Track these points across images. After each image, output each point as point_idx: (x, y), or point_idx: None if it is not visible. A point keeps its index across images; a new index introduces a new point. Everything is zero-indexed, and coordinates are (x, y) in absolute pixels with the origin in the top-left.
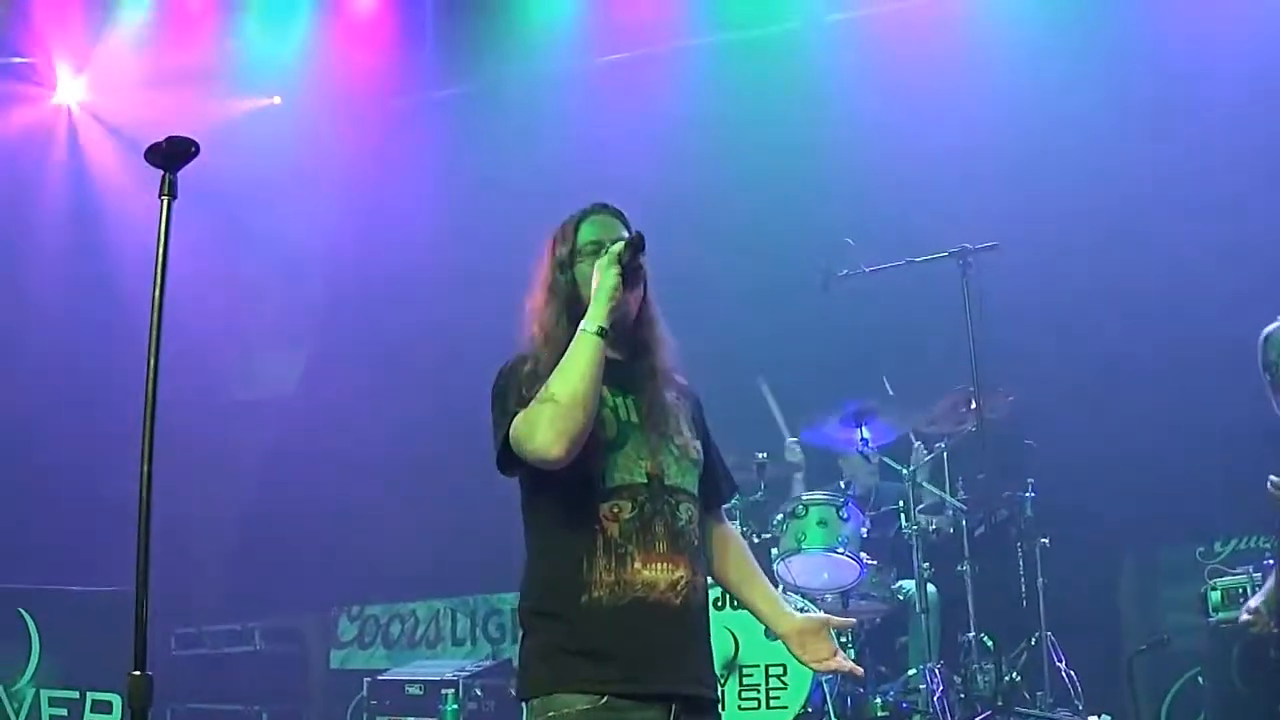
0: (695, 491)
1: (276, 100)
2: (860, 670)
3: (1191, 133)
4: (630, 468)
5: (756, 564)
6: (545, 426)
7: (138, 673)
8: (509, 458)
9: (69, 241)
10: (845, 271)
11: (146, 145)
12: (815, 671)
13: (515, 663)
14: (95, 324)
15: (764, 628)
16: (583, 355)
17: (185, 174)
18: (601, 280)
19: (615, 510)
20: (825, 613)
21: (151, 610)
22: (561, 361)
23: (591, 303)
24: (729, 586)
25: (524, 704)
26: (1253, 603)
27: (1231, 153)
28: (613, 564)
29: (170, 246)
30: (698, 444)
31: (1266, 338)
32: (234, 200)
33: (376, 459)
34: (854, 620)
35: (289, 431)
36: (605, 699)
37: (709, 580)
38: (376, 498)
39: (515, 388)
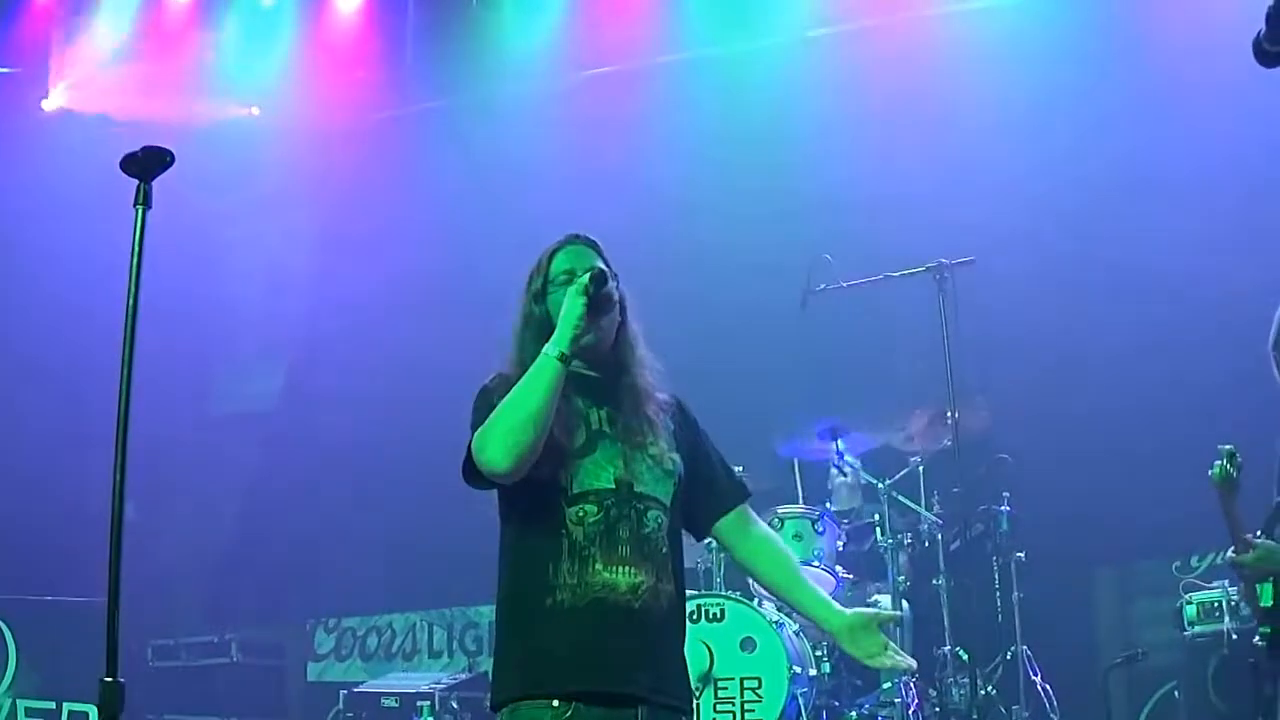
0: (668, 502)
1: (255, 111)
2: (913, 663)
3: (1169, 146)
4: (597, 474)
5: (798, 565)
6: (495, 442)
7: (109, 679)
8: (471, 470)
9: (45, 250)
10: (823, 286)
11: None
12: (871, 667)
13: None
14: (74, 334)
15: (739, 640)
16: (538, 376)
17: (169, 184)
18: (568, 307)
19: (580, 515)
20: (800, 629)
21: (128, 621)
22: (519, 383)
23: (557, 328)
24: (775, 590)
25: (495, 712)
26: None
27: (1209, 168)
28: (576, 566)
29: (150, 258)
30: (675, 456)
31: None
32: (213, 214)
33: (354, 472)
34: (899, 614)
35: (268, 445)
36: (571, 708)
37: (681, 592)
38: (354, 511)
39: (484, 406)
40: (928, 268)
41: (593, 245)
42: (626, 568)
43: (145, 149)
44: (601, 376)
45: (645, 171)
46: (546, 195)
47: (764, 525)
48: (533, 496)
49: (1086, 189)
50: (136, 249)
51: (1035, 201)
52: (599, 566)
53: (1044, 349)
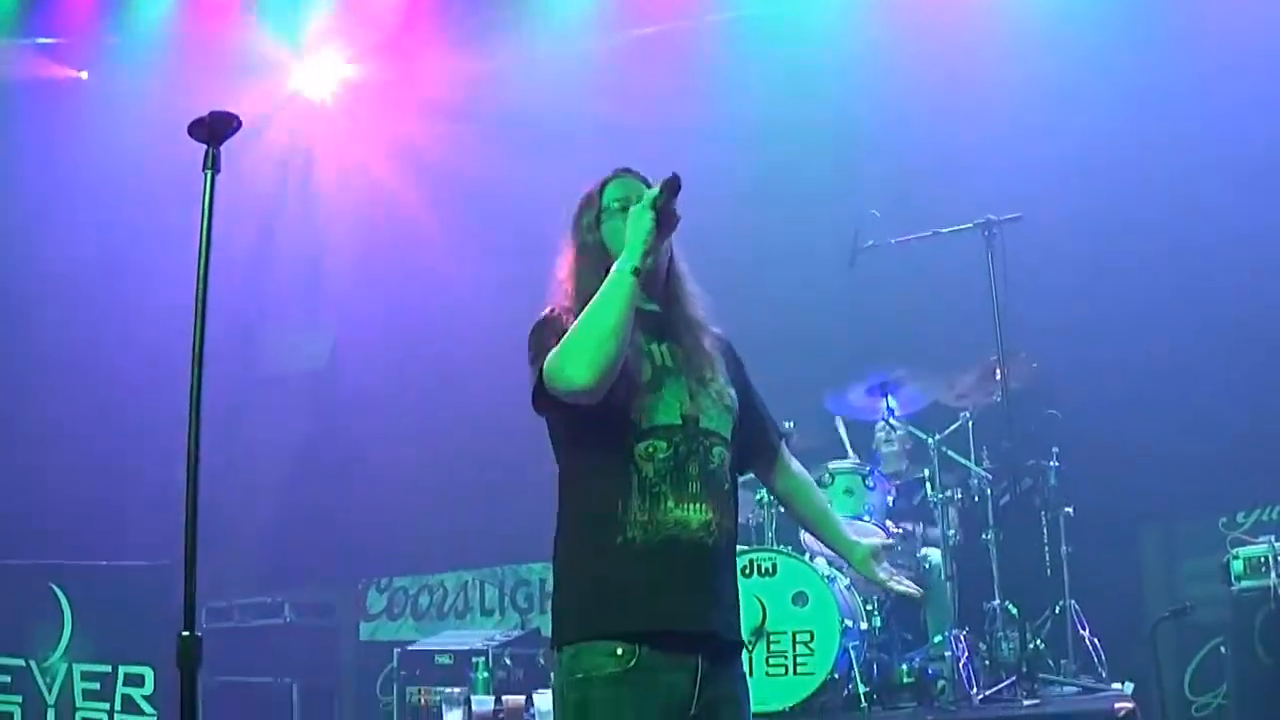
0: (729, 436)
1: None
2: (917, 590)
3: (1224, 98)
4: (666, 409)
5: (826, 501)
6: (577, 358)
7: (186, 634)
8: (543, 395)
9: (102, 218)
10: (871, 243)
11: (170, 122)
12: (883, 588)
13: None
14: (125, 303)
15: (791, 595)
16: (616, 290)
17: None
18: (637, 223)
19: (650, 450)
20: (851, 582)
21: (184, 584)
22: (595, 298)
23: (626, 244)
24: (806, 521)
25: (557, 652)
26: None
27: (1266, 119)
28: (647, 504)
29: (194, 218)
30: (732, 391)
31: None
32: (258, 172)
33: (404, 432)
34: (893, 542)
35: (318, 406)
36: (635, 659)
37: (736, 527)
38: (404, 471)
39: (552, 332)
40: (976, 224)
41: (641, 178)
42: (698, 504)
43: (213, 114)
44: (658, 310)
45: (691, 131)
46: (592, 152)
47: (798, 464)
48: (600, 433)
49: (1135, 145)
50: (206, 213)
51: (1083, 158)
52: (670, 504)
53: (1092, 305)
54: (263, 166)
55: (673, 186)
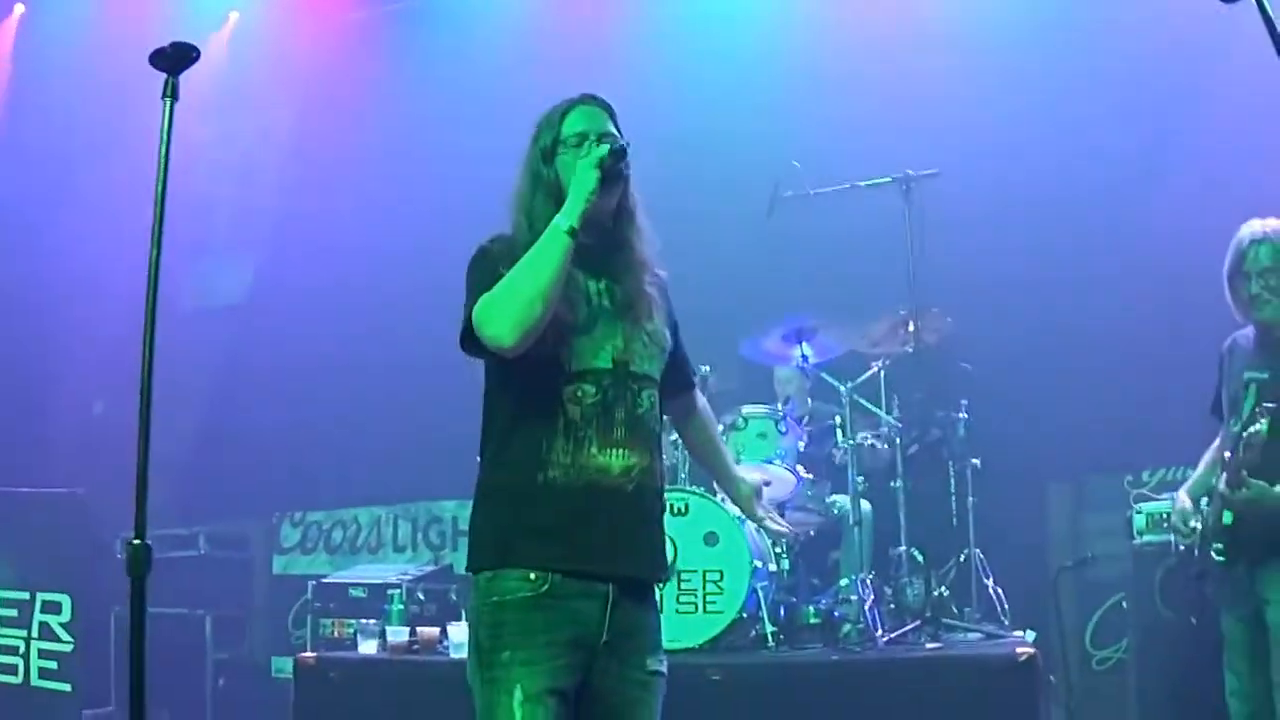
0: (658, 377)
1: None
2: (789, 529)
3: (1131, 52)
4: (596, 352)
5: (719, 435)
6: (502, 316)
7: (136, 541)
8: (469, 339)
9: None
10: (791, 193)
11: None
12: (759, 525)
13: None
14: (47, 236)
15: (702, 535)
16: (549, 250)
17: (144, 83)
18: (580, 179)
19: (579, 394)
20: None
21: (99, 515)
22: (528, 253)
23: (567, 199)
24: (701, 457)
25: (473, 575)
26: (1190, 513)
27: (1169, 71)
28: (570, 446)
29: (122, 155)
30: (667, 332)
31: (1250, 245)
32: (181, 107)
33: (321, 367)
34: (769, 480)
35: (236, 340)
36: (547, 585)
37: (664, 468)
38: (319, 405)
39: (489, 270)
40: (894, 179)
41: (607, 108)
42: (621, 450)
43: (173, 44)
44: (599, 244)
45: (616, 77)
46: (527, 93)
47: (703, 399)
48: (530, 373)
49: (1056, 108)
50: (165, 140)
51: (1001, 118)
52: (594, 450)
53: (1005, 263)
54: (191, 101)
55: (619, 154)
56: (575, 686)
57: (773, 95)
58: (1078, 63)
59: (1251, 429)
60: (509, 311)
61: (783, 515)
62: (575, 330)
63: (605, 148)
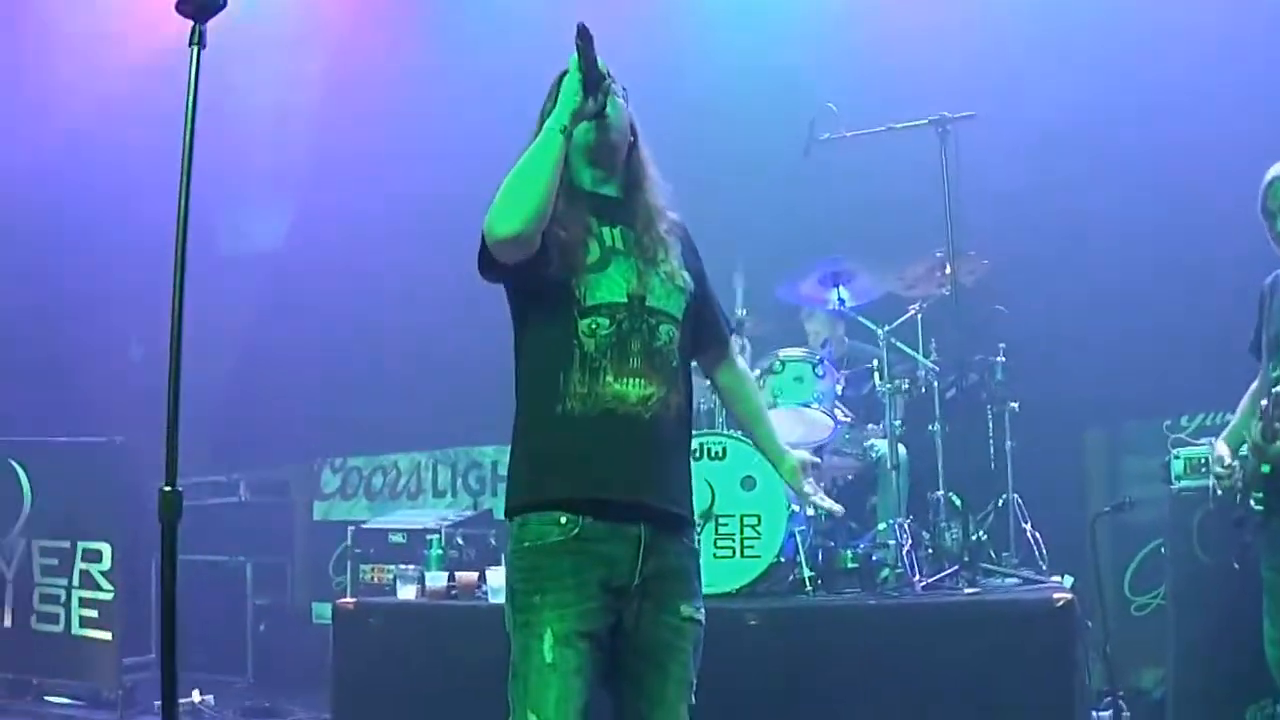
0: (680, 316)
1: None
2: (839, 508)
3: (1191, 19)
4: (610, 288)
5: (763, 404)
6: (503, 212)
7: (168, 488)
8: (484, 257)
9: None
10: (827, 135)
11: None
12: (805, 501)
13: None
14: (76, 186)
15: (740, 479)
16: (542, 146)
17: (176, 29)
18: (566, 86)
19: (593, 327)
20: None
21: (139, 461)
22: (524, 154)
23: (557, 105)
24: (741, 422)
25: (509, 522)
26: (1227, 459)
27: (1210, 7)
28: (586, 377)
29: (156, 101)
30: (685, 274)
31: (1270, 183)
32: (218, 51)
33: (360, 313)
34: (819, 460)
35: (275, 286)
36: (577, 529)
37: (690, 403)
38: (359, 351)
39: None
40: (930, 120)
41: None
42: (637, 379)
43: None
44: (615, 195)
45: (649, 23)
46: (555, 44)
47: (742, 361)
48: (546, 308)
49: (1093, 48)
50: (192, 89)
51: (1038, 59)
52: (609, 378)
53: (1043, 206)
54: (230, 48)
55: (583, 35)
56: (608, 629)
57: (807, 38)
58: (1115, 6)
59: None
60: (508, 204)
61: (820, 459)
62: (588, 269)
63: (575, 45)
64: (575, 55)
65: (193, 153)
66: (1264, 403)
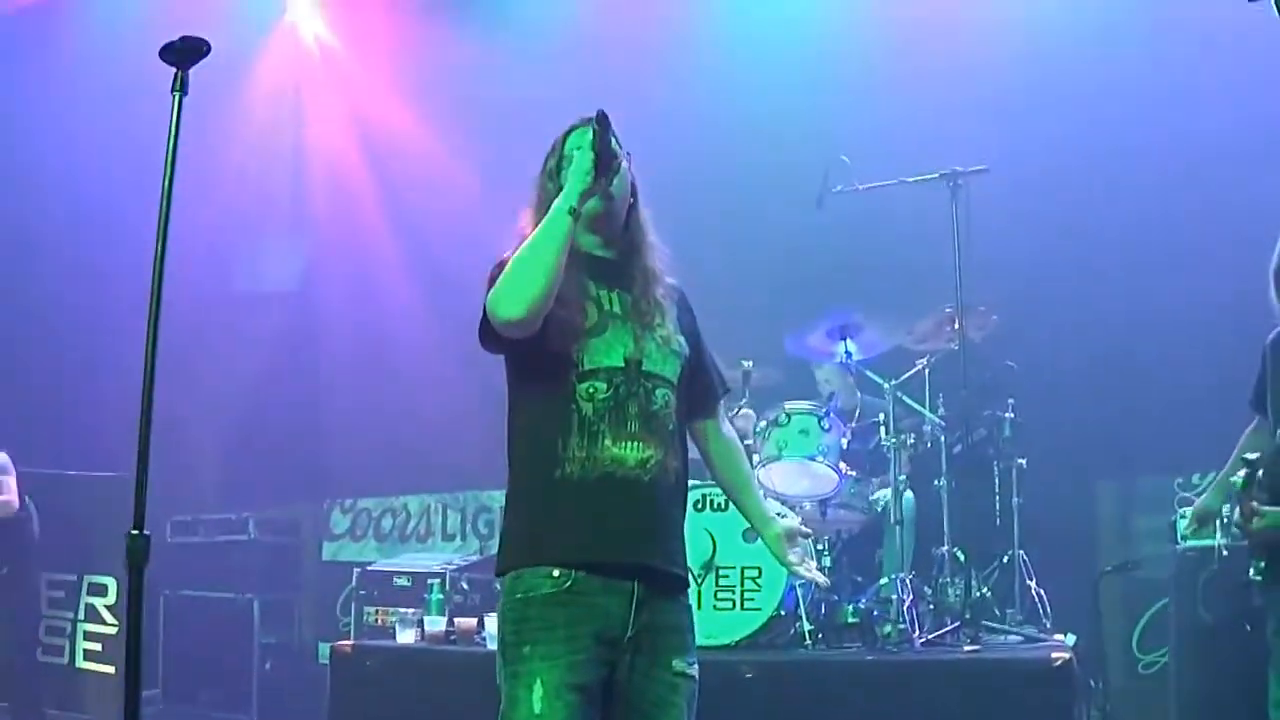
0: (675, 380)
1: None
2: (825, 580)
3: (1182, 56)
4: (608, 352)
5: (751, 472)
6: (508, 293)
7: (135, 532)
8: (485, 331)
9: (73, 130)
10: (839, 188)
11: (146, 43)
12: (790, 572)
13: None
14: (92, 221)
15: (741, 531)
16: (550, 228)
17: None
18: (577, 164)
19: (591, 391)
20: (803, 521)
21: (149, 497)
22: (532, 235)
23: (567, 183)
24: (725, 488)
25: (499, 580)
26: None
27: (1224, 76)
28: (585, 441)
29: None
30: (680, 338)
31: None
32: (237, 94)
33: (373, 355)
34: (810, 531)
35: (290, 325)
36: (570, 581)
37: (685, 467)
38: (372, 393)
39: (500, 275)
40: (942, 174)
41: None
42: (635, 443)
43: (183, 38)
44: (614, 258)
45: (661, 73)
46: (564, 88)
47: (730, 427)
48: (544, 372)
49: (1104, 105)
50: (173, 134)
51: (1052, 117)
52: (608, 442)
53: (1054, 262)
54: (253, 91)
55: (601, 121)
56: (600, 682)
57: (821, 90)
58: (1125, 61)
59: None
60: (514, 287)
61: (825, 513)
62: (585, 333)
63: (591, 128)
64: (590, 134)
65: (171, 197)
66: (1241, 473)
